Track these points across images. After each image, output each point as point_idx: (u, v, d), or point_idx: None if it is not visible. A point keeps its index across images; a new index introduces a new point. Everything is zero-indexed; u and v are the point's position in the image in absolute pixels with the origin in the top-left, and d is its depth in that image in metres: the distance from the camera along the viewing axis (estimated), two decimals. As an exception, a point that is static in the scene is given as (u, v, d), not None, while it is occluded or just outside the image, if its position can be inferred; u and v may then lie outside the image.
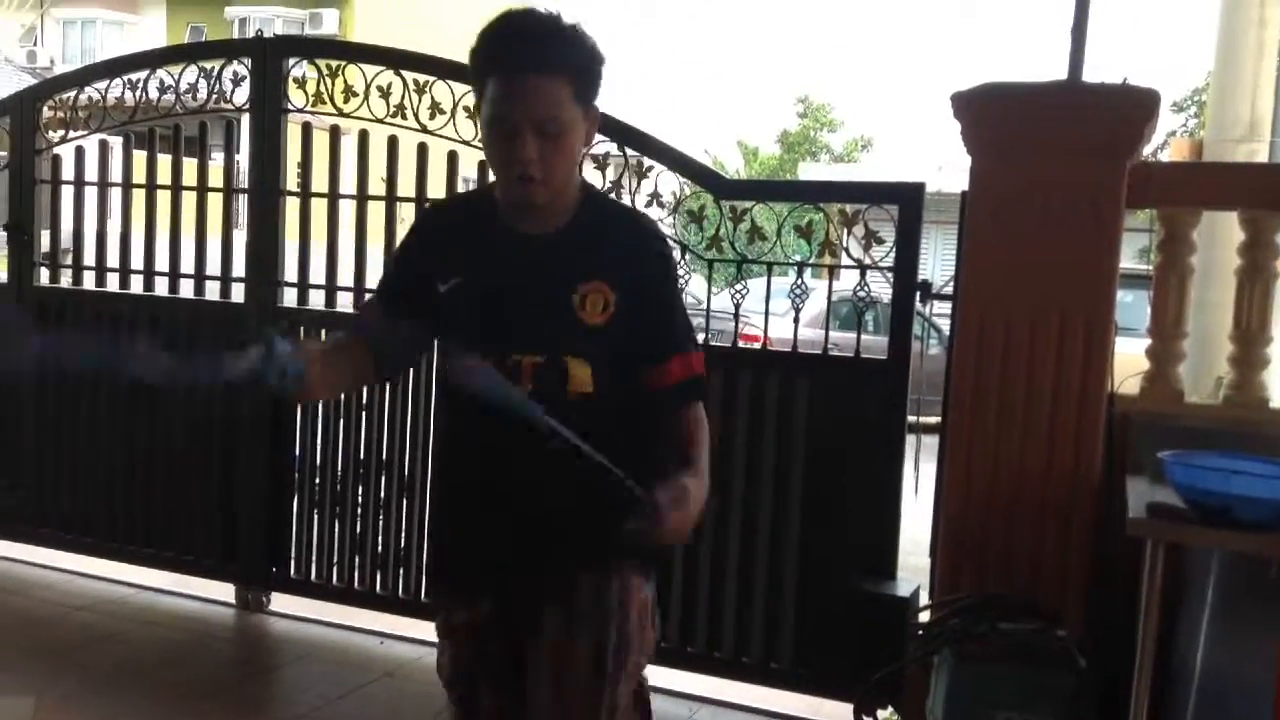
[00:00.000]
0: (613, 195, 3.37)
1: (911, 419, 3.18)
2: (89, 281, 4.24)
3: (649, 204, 3.37)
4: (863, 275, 3.19)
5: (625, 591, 1.77)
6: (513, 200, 1.71)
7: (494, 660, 1.83)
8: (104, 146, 4.21)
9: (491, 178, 1.82)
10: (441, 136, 3.57)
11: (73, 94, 4.20)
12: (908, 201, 3.10)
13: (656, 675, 3.34)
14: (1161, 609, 2.38)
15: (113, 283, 4.19)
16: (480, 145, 3.67)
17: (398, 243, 1.91)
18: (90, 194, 4.23)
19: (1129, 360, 2.94)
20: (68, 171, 4.26)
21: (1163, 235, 2.90)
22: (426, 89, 3.61)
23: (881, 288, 3.23)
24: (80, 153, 4.24)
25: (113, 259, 4.18)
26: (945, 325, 3.30)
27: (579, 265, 1.72)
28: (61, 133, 4.27)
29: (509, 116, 1.62)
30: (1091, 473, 2.77)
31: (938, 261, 10.95)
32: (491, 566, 1.81)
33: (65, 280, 4.33)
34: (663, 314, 1.77)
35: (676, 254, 2.60)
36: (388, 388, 3.73)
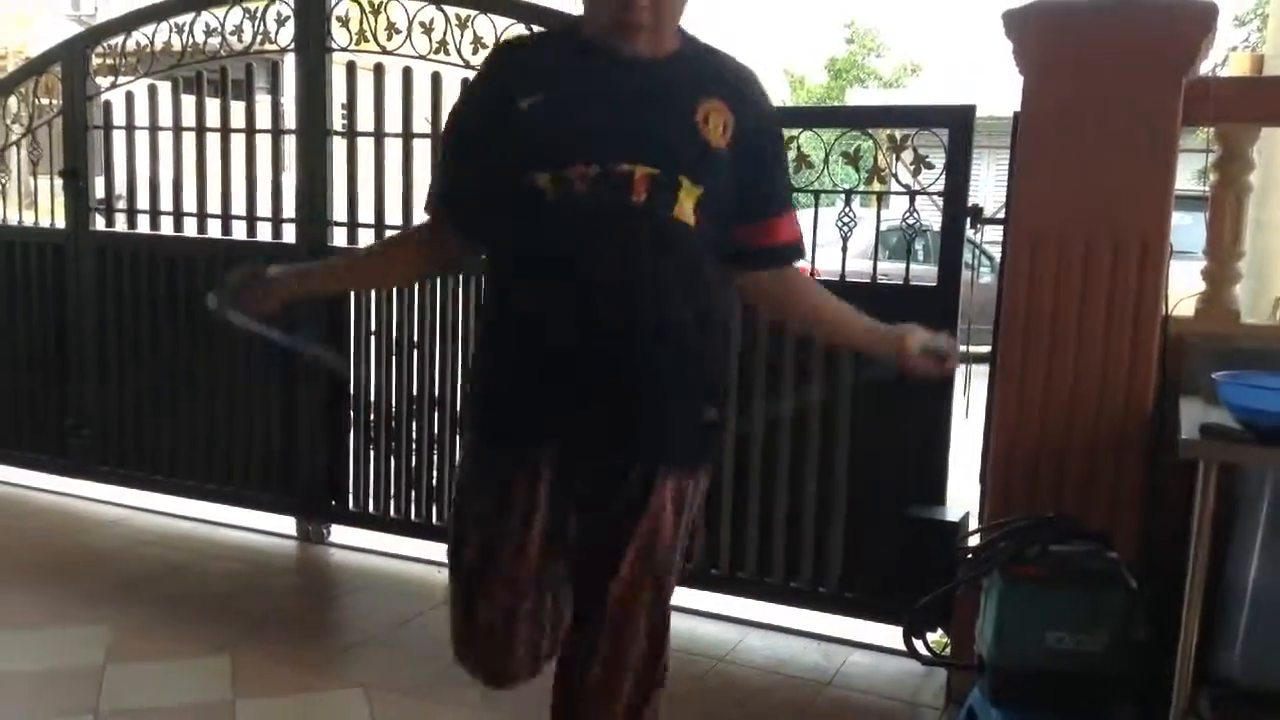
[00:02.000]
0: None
1: (963, 348, 3.16)
2: (143, 225, 4.32)
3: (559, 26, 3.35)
4: (912, 201, 3.16)
5: (695, 493, 1.75)
6: (614, 45, 1.59)
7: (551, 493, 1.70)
8: (153, 91, 4.26)
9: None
10: (484, 71, 3.56)
11: (121, 39, 4.24)
12: (958, 125, 3.06)
13: (706, 600, 3.43)
14: (1213, 529, 2.37)
15: (166, 226, 4.26)
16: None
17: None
18: (141, 139, 4.28)
19: (1186, 285, 2.89)
20: (119, 117, 4.31)
21: (1220, 153, 2.84)
22: (469, 23, 3.60)
23: (931, 215, 3.19)
24: (130, 98, 4.29)
25: (165, 202, 4.25)
26: (997, 254, 3.26)
27: (697, 83, 1.62)
28: (111, 79, 4.32)
29: None
30: (1145, 396, 2.75)
31: (990, 187, 10.78)
32: (571, 428, 1.68)
33: (120, 224, 4.40)
34: (777, 162, 1.71)
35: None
36: (436, 324, 3.78)
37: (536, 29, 3.06)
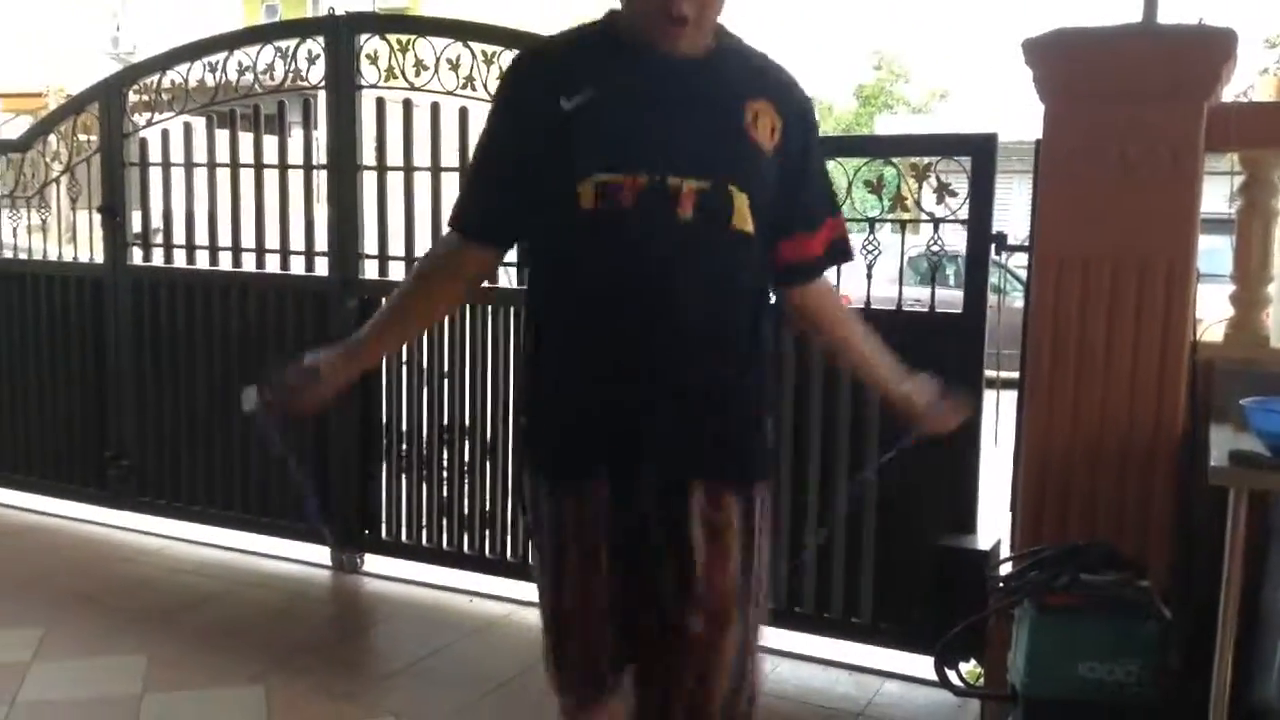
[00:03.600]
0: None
1: (991, 373, 3.16)
2: (179, 259, 4.40)
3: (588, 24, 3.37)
4: (936, 229, 3.17)
5: (761, 514, 1.65)
6: (653, 44, 1.51)
7: (619, 522, 1.61)
8: (188, 128, 4.34)
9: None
10: (512, 105, 3.62)
11: (156, 78, 4.33)
12: (980, 153, 3.07)
13: (737, 630, 3.42)
14: (1246, 557, 2.35)
15: (202, 260, 4.34)
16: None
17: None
18: (177, 174, 4.37)
19: (1215, 309, 2.88)
20: (155, 154, 4.40)
21: (1245, 178, 2.83)
22: (495, 59, 3.66)
23: (958, 240, 3.20)
24: (166, 135, 4.38)
25: (200, 237, 4.32)
26: (1026, 277, 3.26)
27: (742, 82, 1.55)
28: (148, 116, 4.42)
29: None
30: (1174, 422, 2.74)
31: (1023, 211, 10.71)
32: (618, 446, 1.58)
33: (157, 259, 4.49)
34: (822, 163, 1.67)
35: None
36: (466, 355, 3.82)
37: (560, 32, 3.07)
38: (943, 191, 3.13)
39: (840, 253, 1.73)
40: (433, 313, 2.02)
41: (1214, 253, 3.28)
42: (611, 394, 1.56)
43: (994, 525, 3.14)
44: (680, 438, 1.57)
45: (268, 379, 1.78)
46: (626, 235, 1.49)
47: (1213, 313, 2.87)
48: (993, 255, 3.11)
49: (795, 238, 1.63)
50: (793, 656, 3.40)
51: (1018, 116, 4.43)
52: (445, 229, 1.77)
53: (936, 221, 3.16)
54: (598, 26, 1.63)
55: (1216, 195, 3.27)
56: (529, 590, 3.77)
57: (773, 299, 1.70)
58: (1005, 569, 2.79)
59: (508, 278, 3.91)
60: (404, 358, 3.96)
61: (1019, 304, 3.13)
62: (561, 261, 1.58)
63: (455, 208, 1.73)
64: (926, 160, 3.20)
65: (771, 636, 3.42)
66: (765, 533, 1.66)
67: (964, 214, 3.10)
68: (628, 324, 1.53)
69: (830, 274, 1.74)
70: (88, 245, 4.63)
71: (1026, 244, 2.99)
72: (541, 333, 1.64)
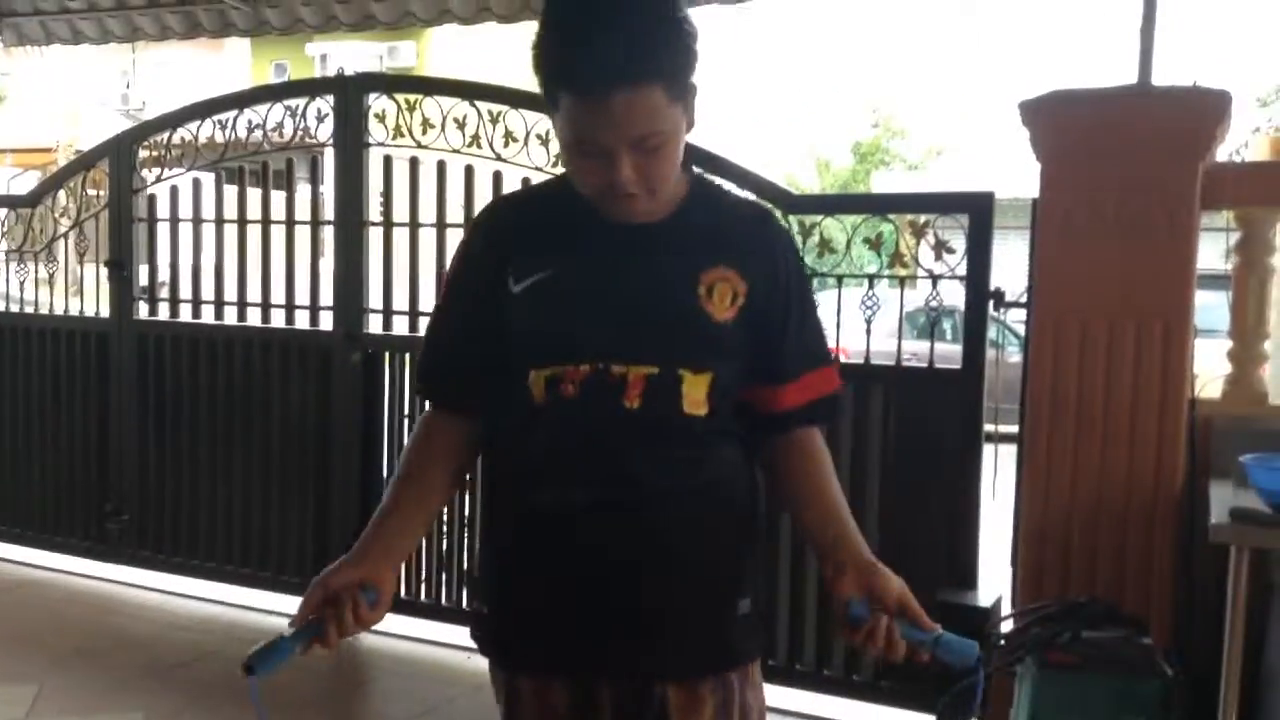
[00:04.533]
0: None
1: (990, 428, 3.18)
2: (185, 314, 4.43)
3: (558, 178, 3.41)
4: (934, 285, 3.20)
5: (745, 693, 1.48)
6: (609, 215, 1.41)
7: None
8: (197, 184, 4.40)
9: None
10: (515, 164, 3.68)
11: (166, 134, 4.40)
12: (977, 210, 3.11)
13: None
14: (1248, 614, 2.35)
15: (208, 314, 4.37)
16: (551, 171, 3.79)
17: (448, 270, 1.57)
18: (185, 229, 4.42)
19: (1214, 364, 2.90)
20: (163, 209, 4.45)
21: (1241, 236, 2.87)
22: (500, 118, 3.73)
23: (955, 296, 3.23)
24: (174, 191, 4.44)
25: (207, 291, 4.36)
26: (1024, 331, 3.29)
27: (701, 250, 1.42)
28: (157, 171, 4.48)
29: (597, 138, 1.32)
30: (1174, 478, 2.74)
31: (1020, 266, 10.78)
32: (576, 646, 1.45)
33: (163, 313, 4.52)
34: (804, 313, 1.49)
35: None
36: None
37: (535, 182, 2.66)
38: (941, 248, 3.17)
39: (818, 415, 1.52)
40: (435, 505, 1.66)
41: (1210, 308, 3.31)
42: (564, 595, 1.44)
43: (994, 581, 3.14)
44: (644, 641, 1.43)
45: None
46: (574, 427, 1.40)
47: (1210, 369, 2.89)
48: (991, 311, 3.14)
49: (760, 389, 1.48)
50: (794, 715, 3.37)
51: (1013, 173, 4.49)
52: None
53: (935, 278, 3.19)
54: (549, 187, 1.59)
55: (1212, 251, 3.31)
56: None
57: (746, 459, 1.52)
58: (1007, 626, 2.78)
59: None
60: (405, 411, 3.98)
61: (1016, 359, 3.15)
62: (515, 450, 1.48)
63: (419, 370, 1.60)
64: (925, 217, 3.24)
65: (772, 696, 3.40)
66: (754, 711, 1.50)
67: (962, 270, 3.14)
68: (580, 521, 1.41)
69: (810, 433, 1.51)
70: (94, 299, 4.66)
71: (1024, 300, 3.02)
72: (495, 508, 1.57)
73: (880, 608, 1.39)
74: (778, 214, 1.60)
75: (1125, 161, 2.73)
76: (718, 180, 2.07)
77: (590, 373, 1.39)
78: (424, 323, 3.95)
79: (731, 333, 1.42)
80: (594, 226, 1.41)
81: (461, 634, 3.86)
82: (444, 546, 3.92)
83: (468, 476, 1.85)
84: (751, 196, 3.02)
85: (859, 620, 1.38)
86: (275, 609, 4.21)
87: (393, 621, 4.02)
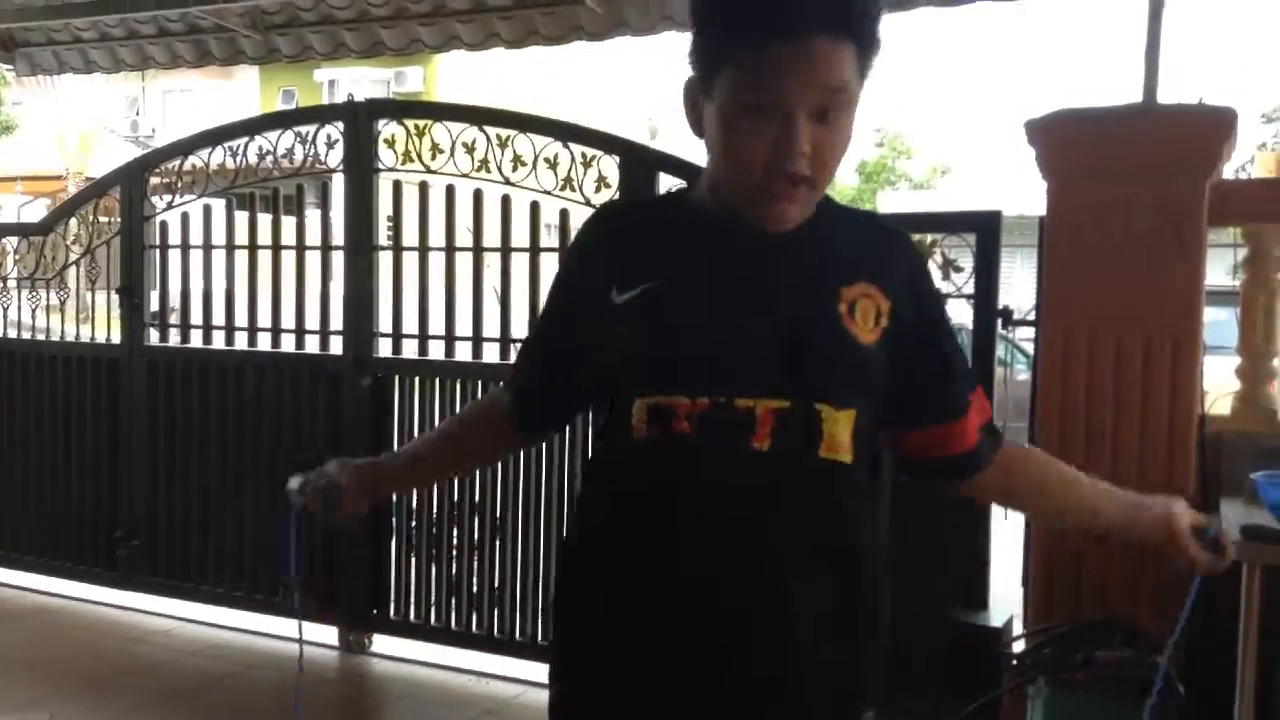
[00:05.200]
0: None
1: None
2: (196, 339, 4.45)
3: (673, 190, 3.43)
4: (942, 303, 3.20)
5: None
6: (760, 215, 1.21)
7: None
8: (207, 210, 4.43)
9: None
10: (524, 188, 3.71)
11: (177, 161, 4.43)
12: (984, 229, 3.11)
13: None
14: (1262, 632, 2.33)
15: (218, 339, 4.39)
16: (560, 195, 3.82)
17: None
18: (195, 255, 4.45)
19: (1224, 379, 2.90)
20: (174, 235, 4.48)
21: (1248, 252, 2.87)
22: (509, 143, 3.75)
23: (964, 315, 3.23)
24: (185, 218, 4.47)
25: (218, 317, 4.39)
26: (1031, 349, 3.29)
27: (839, 262, 1.24)
28: (168, 199, 4.51)
29: (781, 96, 1.15)
30: (1184, 496, 2.73)
31: (1027, 284, 10.80)
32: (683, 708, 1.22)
33: (174, 338, 4.55)
34: (949, 343, 1.31)
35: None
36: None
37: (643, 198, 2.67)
38: (948, 267, 3.17)
39: (994, 434, 1.36)
40: (463, 464, 1.69)
41: (1218, 325, 3.31)
42: (664, 665, 1.21)
43: (1006, 602, 3.12)
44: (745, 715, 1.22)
45: (316, 469, 1.60)
46: (687, 472, 1.18)
47: (1218, 386, 2.89)
48: (999, 329, 3.14)
49: (931, 430, 1.30)
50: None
51: (1019, 191, 4.51)
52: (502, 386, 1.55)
53: (943, 297, 3.19)
54: (684, 194, 1.38)
55: (1219, 268, 3.31)
56: (539, 671, 3.76)
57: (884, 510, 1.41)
58: (1018, 646, 2.77)
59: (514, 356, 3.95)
60: (414, 435, 3.99)
61: (1023, 377, 3.15)
62: (615, 488, 1.27)
63: (513, 373, 1.49)
64: (932, 236, 3.25)
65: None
66: None
67: (969, 289, 3.14)
68: (690, 581, 1.20)
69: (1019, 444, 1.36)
70: (104, 325, 4.69)
71: (1031, 318, 3.03)
72: (585, 551, 1.32)
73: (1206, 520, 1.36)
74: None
75: (1132, 179, 2.74)
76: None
77: (709, 406, 1.17)
78: (434, 346, 4.03)
79: (877, 360, 1.22)
80: (715, 233, 1.24)
81: (473, 657, 3.87)
82: (454, 571, 3.92)
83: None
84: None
85: (1216, 538, 1.41)
86: (286, 634, 4.21)
87: (404, 646, 4.02)
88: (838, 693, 1.25)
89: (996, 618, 3.00)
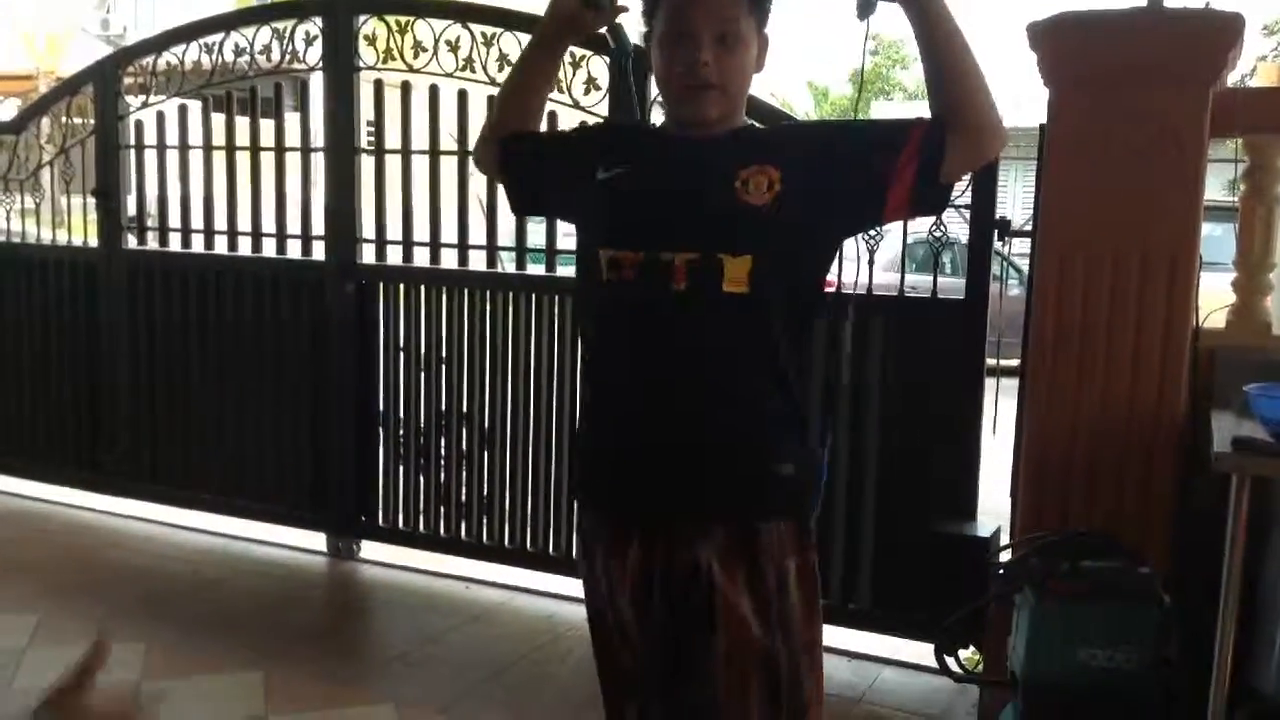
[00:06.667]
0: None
1: (991, 361, 3.16)
2: (175, 243, 4.37)
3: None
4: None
5: (784, 554, 1.65)
6: (685, 114, 1.68)
7: (636, 581, 1.69)
8: (183, 110, 4.31)
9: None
10: (511, 89, 3.60)
11: (151, 59, 4.29)
12: (983, 138, 3.05)
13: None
14: (1247, 543, 2.35)
15: (197, 244, 4.31)
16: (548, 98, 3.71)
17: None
18: (172, 157, 4.34)
19: (1218, 295, 2.87)
20: (149, 136, 4.37)
21: (1249, 163, 2.82)
22: (494, 41, 3.63)
23: (959, 228, 3.19)
24: (161, 117, 4.35)
25: (196, 221, 4.29)
26: (1025, 266, 3.25)
27: (741, 152, 1.66)
28: (142, 98, 4.38)
29: (688, 25, 1.63)
30: (1176, 409, 2.73)
31: (1017, 199, 10.73)
32: (639, 487, 1.69)
33: (152, 243, 4.46)
34: (851, 129, 1.78)
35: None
36: (464, 342, 3.81)
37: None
38: (945, 177, 3.11)
39: (936, 131, 1.64)
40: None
41: (1214, 240, 3.27)
42: (621, 440, 1.72)
43: (994, 513, 3.14)
44: (681, 482, 1.67)
45: None
46: (632, 303, 1.67)
47: (1214, 301, 2.86)
48: (995, 242, 3.10)
49: (889, 192, 1.63)
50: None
51: (1014, 102, 4.42)
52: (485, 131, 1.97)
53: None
54: (660, 125, 1.89)
55: (1216, 183, 3.26)
56: (525, 576, 3.79)
57: (797, 337, 1.71)
58: (1005, 556, 2.79)
59: (501, 264, 3.90)
60: (400, 343, 3.94)
61: (1015, 293, 3.12)
62: (589, 312, 1.82)
63: (498, 126, 1.93)
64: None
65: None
66: (791, 569, 1.67)
67: (965, 200, 3.09)
68: (636, 380, 1.69)
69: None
70: (81, 230, 4.59)
71: (1028, 229, 2.98)
72: (584, 374, 1.99)
73: None
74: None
75: (1135, 86, 2.67)
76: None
77: (644, 258, 1.63)
78: (418, 253, 3.96)
79: (766, 216, 1.62)
80: (664, 143, 1.76)
81: (461, 564, 3.90)
82: (441, 479, 3.92)
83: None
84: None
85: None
86: (273, 540, 4.22)
87: (392, 552, 4.04)
88: (759, 441, 1.68)
89: (984, 528, 3.02)
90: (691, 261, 1.60)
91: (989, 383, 3.14)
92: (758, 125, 1.82)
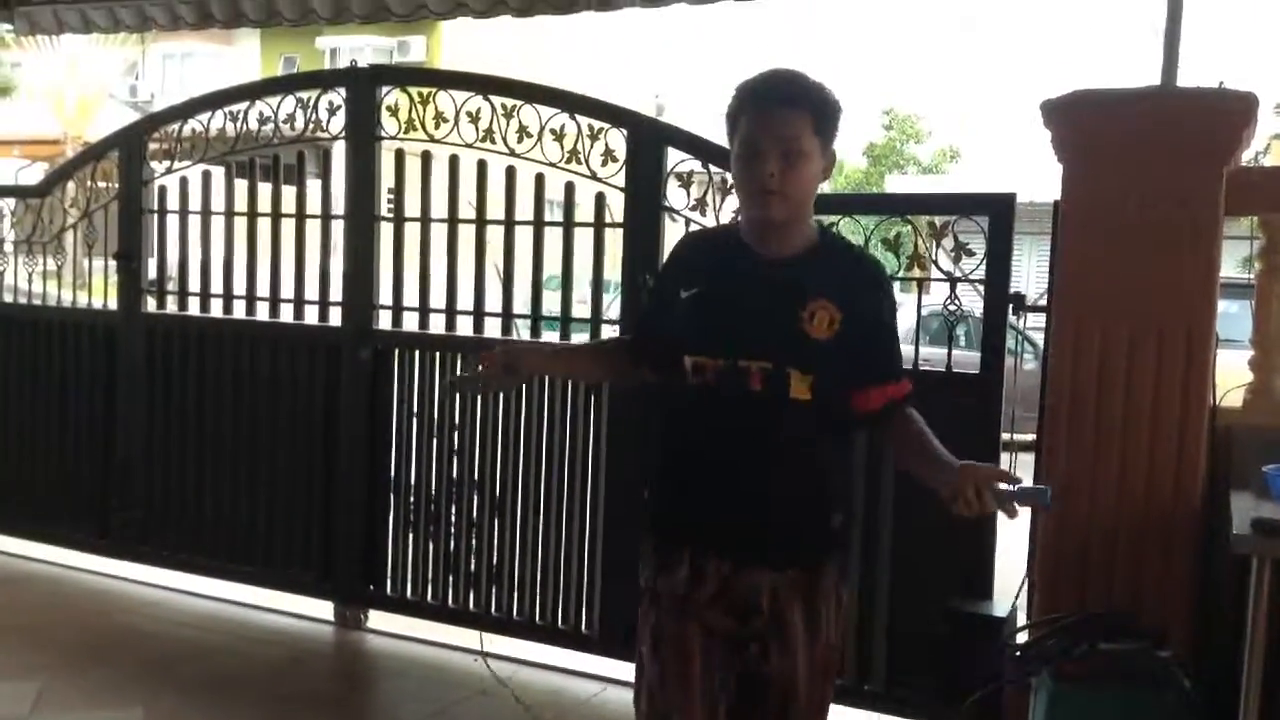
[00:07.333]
0: (698, 214, 3.40)
1: (1006, 436, 3.13)
2: (193, 307, 4.40)
3: (734, 220, 3.38)
4: (953, 288, 3.15)
5: (831, 592, 2.04)
6: (753, 217, 1.98)
7: (706, 608, 2.01)
8: (206, 176, 4.37)
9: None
10: (529, 159, 3.64)
11: (177, 126, 4.37)
12: (998, 212, 3.06)
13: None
14: (1269, 626, 2.30)
15: (216, 308, 4.34)
16: (565, 167, 3.76)
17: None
18: (194, 222, 4.39)
19: (1234, 373, 2.86)
20: (172, 201, 4.42)
21: (1264, 242, 2.82)
22: (514, 113, 3.68)
23: (973, 301, 3.19)
24: (184, 182, 4.41)
25: (216, 285, 4.33)
26: (1040, 339, 3.24)
27: (810, 285, 1.96)
28: (166, 163, 4.44)
29: (757, 142, 1.92)
30: (1194, 488, 2.70)
31: (1032, 274, 10.75)
32: (713, 530, 2.02)
33: (171, 306, 4.49)
34: (887, 343, 2.03)
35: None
36: (478, 413, 3.80)
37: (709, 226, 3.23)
38: (960, 251, 3.12)
39: (908, 400, 2.06)
40: (592, 373, 2.76)
41: (1230, 317, 3.26)
42: (698, 501, 2.05)
43: (1009, 592, 3.09)
44: (747, 533, 2.01)
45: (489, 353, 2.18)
46: (714, 402, 1.98)
47: (1230, 378, 2.84)
48: (1009, 316, 3.09)
49: (860, 394, 2.02)
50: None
51: (1028, 178, 4.44)
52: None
53: (953, 280, 3.15)
54: (726, 228, 2.32)
55: (1230, 260, 3.26)
56: (534, 650, 3.74)
57: (844, 432, 2.11)
58: (1022, 637, 2.74)
59: (516, 330, 3.91)
60: (413, 410, 3.94)
61: (1030, 367, 3.10)
62: (677, 407, 2.10)
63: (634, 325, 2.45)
64: (944, 219, 3.19)
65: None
66: (832, 607, 2.05)
67: (980, 274, 3.09)
68: (716, 460, 2.02)
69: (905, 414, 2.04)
70: (101, 292, 4.63)
71: (1043, 304, 2.98)
72: (662, 444, 2.16)
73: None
74: (885, 266, 2.26)
75: (1148, 164, 2.69)
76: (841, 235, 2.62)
77: (724, 365, 1.97)
78: (434, 320, 3.97)
79: (828, 349, 1.96)
80: (741, 259, 2.02)
81: (469, 636, 3.84)
82: (450, 548, 3.89)
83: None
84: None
85: (1010, 495, 1.94)
86: (280, 607, 4.18)
87: (400, 623, 4.00)
88: (810, 506, 2.03)
89: (1000, 608, 2.97)
90: (765, 369, 1.95)
91: (1004, 457, 3.11)
92: (830, 240, 2.09)
